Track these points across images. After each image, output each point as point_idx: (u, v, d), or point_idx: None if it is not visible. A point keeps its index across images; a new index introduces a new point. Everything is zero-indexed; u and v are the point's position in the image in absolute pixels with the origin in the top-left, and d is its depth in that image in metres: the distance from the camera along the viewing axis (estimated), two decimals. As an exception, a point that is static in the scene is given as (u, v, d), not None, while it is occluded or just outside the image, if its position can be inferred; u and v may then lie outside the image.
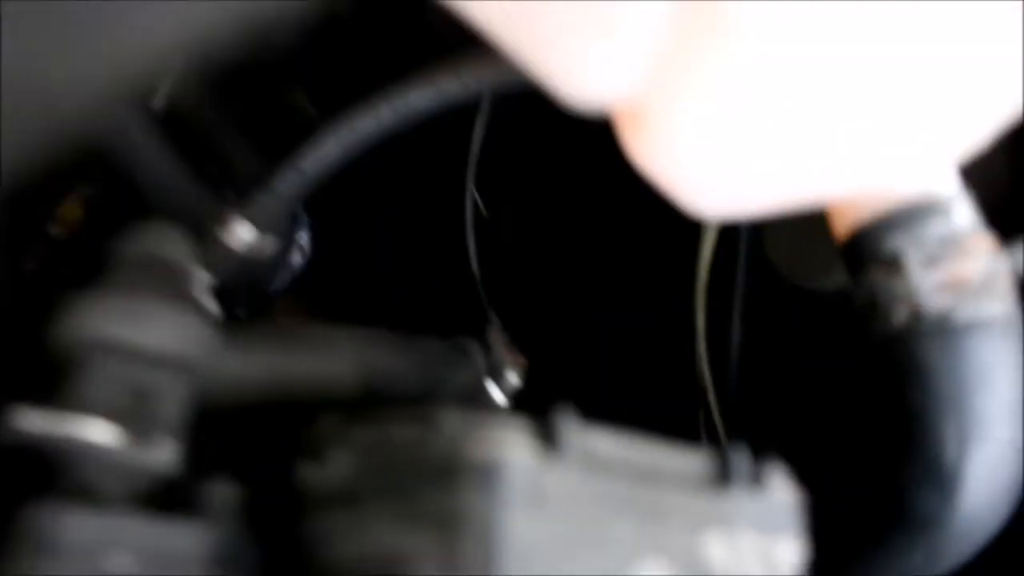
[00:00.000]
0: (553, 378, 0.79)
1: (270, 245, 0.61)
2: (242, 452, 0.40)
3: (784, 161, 0.35)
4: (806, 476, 0.67)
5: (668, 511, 0.27)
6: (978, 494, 0.41)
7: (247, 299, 0.86)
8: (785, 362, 0.70)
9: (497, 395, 0.56)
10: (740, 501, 0.29)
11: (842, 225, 0.44)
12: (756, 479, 0.29)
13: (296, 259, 1.12)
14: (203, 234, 0.61)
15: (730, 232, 0.68)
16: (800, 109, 0.32)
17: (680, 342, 0.70)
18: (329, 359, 0.45)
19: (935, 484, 0.41)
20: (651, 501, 0.26)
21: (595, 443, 0.27)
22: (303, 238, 1.12)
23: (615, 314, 0.83)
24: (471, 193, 0.84)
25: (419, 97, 0.57)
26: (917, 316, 0.41)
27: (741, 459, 0.29)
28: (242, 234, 0.59)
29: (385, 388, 0.47)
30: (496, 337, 0.58)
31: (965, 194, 0.43)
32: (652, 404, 0.76)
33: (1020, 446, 0.42)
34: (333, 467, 0.33)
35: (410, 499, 0.26)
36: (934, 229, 0.41)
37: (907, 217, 0.41)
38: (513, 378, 0.56)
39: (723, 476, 0.29)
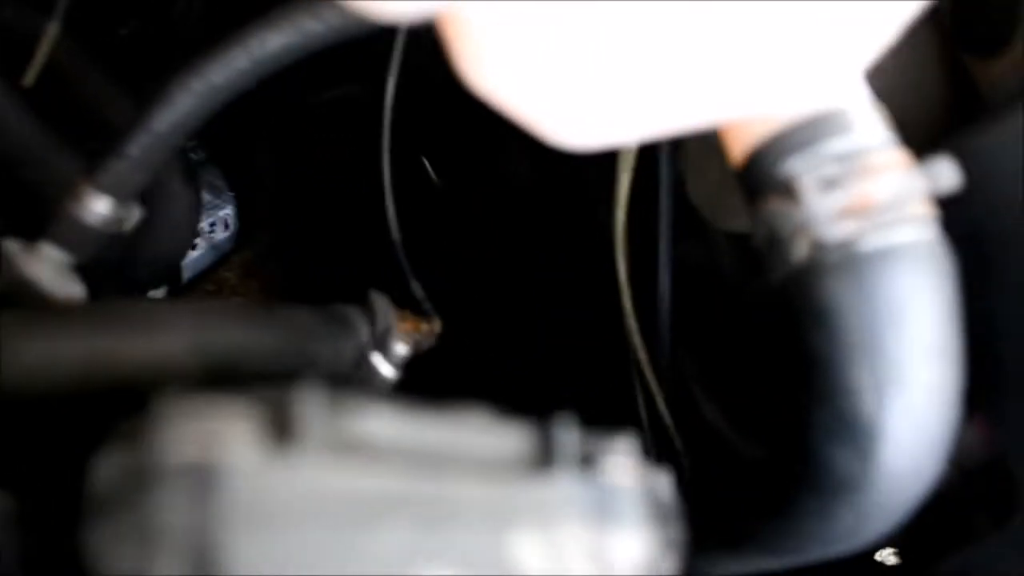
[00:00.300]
0: (478, 343, 0.73)
1: (133, 216, 0.56)
2: (44, 450, 0.35)
3: (642, 75, 0.29)
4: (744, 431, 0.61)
5: (461, 508, 0.21)
6: (901, 448, 0.36)
7: (154, 275, 0.81)
8: (716, 311, 0.65)
9: (383, 367, 0.51)
10: (564, 488, 0.23)
11: (735, 150, 0.39)
12: (587, 460, 0.23)
13: (220, 235, 1.06)
14: (57, 209, 0.55)
15: (649, 177, 0.63)
16: (655, 9, 0.27)
17: (607, 296, 0.65)
18: (159, 338, 0.40)
19: (851, 439, 0.36)
20: (437, 497, 0.21)
21: (364, 428, 0.21)
22: (227, 213, 1.06)
23: (540, 273, 0.78)
24: (387, 158, 0.79)
25: (277, 39, 0.51)
26: (818, 248, 0.35)
27: (568, 437, 0.23)
28: (96, 207, 0.53)
29: (235, 367, 0.42)
30: (382, 304, 0.52)
31: (873, 107, 0.38)
32: (583, 364, 0.71)
33: (945, 391, 0.36)
34: (107, 467, 0.28)
35: (128, 509, 0.21)
36: (832, 147, 0.35)
37: (801, 136, 0.36)
38: (401, 348, 0.51)
39: (544, 459, 0.23)
